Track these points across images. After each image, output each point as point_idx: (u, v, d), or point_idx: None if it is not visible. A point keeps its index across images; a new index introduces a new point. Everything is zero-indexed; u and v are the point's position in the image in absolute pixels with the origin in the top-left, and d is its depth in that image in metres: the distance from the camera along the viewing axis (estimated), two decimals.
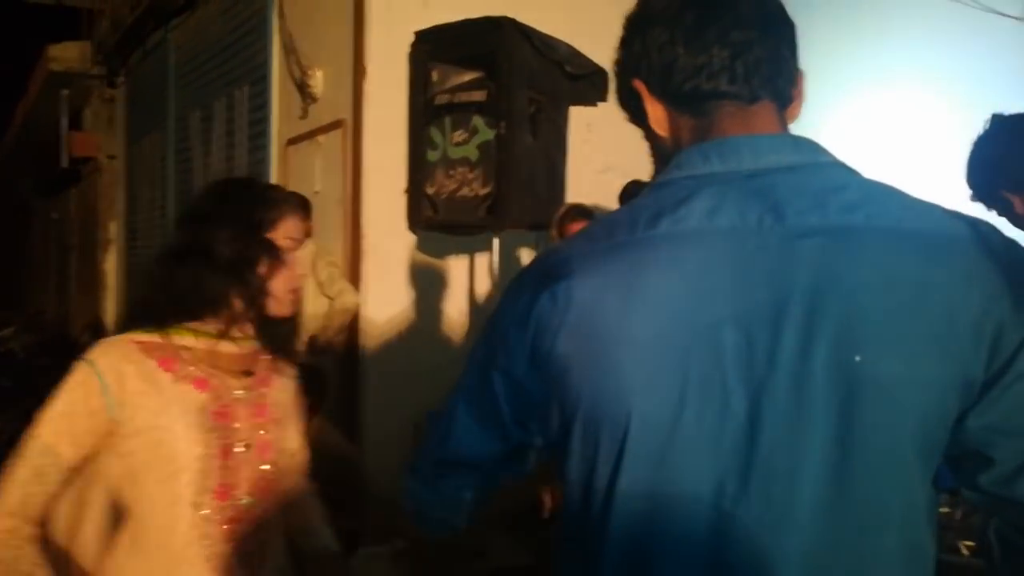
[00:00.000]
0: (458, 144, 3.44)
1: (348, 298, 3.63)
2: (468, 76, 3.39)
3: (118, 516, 1.25)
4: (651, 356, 0.75)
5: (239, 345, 1.35)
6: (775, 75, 0.82)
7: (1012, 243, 0.78)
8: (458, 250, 3.96)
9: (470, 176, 3.41)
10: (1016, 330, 0.72)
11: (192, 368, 1.29)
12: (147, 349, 1.26)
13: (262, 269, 1.31)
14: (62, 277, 11.88)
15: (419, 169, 3.59)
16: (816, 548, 0.71)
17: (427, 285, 3.87)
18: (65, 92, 9.17)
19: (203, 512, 1.26)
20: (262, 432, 1.35)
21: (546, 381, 0.81)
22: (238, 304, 1.31)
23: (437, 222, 3.59)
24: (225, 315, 1.31)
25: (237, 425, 1.31)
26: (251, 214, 1.33)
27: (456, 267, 4.04)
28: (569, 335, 0.78)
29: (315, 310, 3.70)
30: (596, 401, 0.77)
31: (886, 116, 4.45)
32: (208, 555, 1.25)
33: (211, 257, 1.29)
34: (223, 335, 1.32)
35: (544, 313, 0.79)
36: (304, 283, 3.70)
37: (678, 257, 0.76)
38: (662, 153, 0.87)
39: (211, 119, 5.54)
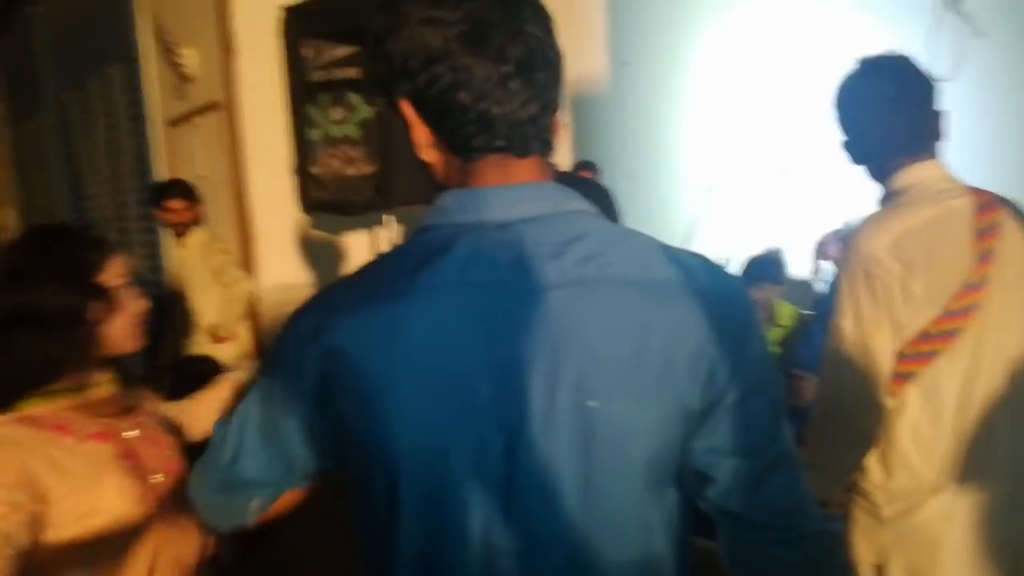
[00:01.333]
0: (338, 122, 3.36)
1: (242, 286, 3.56)
2: (342, 52, 3.30)
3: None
4: (414, 407, 0.79)
5: (99, 388, 1.32)
6: (547, 129, 0.84)
7: (726, 286, 0.84)
8: (351, 228, 3.90)
9: (354, 155, 3.35)
10: (725, 365, 0.80)
11: (84, 426, 1.26)
12: (37, 423, 1.22)
13: (96, 316, 1.28)
14: None
15: (302, 149, 3.49)
16: (570, 572, 0.79)
17: (322, 267, 3.81)
18: None
19: (142, 556, 1.27)
20: (168, 459, 1.37)
21: (327, 423, 0.85)
22: (77, 360, 1.28)
23: (327, 203, 3.52)
24: (74, 372, 1.27)
25: (147, 461, 1.32)
26: (73, 262, 1.28)
27: (350, 245, 3.98)
28: (339, 385, 0.81)
29: (211, 299, 3.64)
30: (368, 449, 0.81)
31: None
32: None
33: (37, 320, 1.23)
34: (84, 387, 1.29)
35: (314, 364, 0.82)
36: (199, 272, 3.59)
37: (435, 311, 0.79)
38: (428, 172, 0.87)
39: (88, 99, 5.26)
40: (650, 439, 0.79)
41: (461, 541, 0.79)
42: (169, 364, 3.71)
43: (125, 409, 1.37)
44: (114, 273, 1.32)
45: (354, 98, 3.25)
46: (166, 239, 3.96)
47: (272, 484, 0.95)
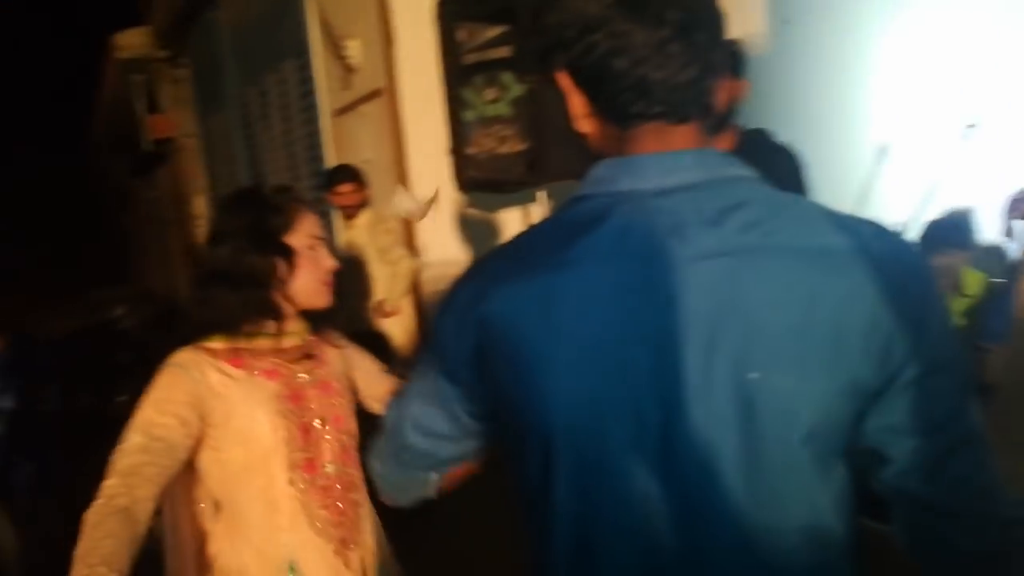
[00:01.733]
0: (491, 102, 3.43)
1: (407, 263, 3.74)
2: (494, 32, 3.36)
3: (219, 507, 1.41)
4: (569, 378, 0.79)
5: (291, 337, 1.45)
6: (706, 93, 0.81)
7: (902, 254, 0.78)
8: (505, 205, 3.98)
9: (506, 133, 3.41)
10: (903, 340, 0.75)
11: (260, 362, 1.41)
12: (215, 353, 1.39)
13: (283, 274, 1.40)
14: (163, 253, 12.61)
15: (457, 131, 3.60)
16: (732, 544, 0.77)
17: (479, 243, 3.93)
18: (137, 77, 9.56)
19: (297, 486, 1.40)
20: (333, 406, 1.48)
21: (485, 390, 0.87)
22: (267, 312, 1.41)
23: (481, 181, 3.62)
24: (262, 322, 1.42)
25: (310, 405, 1.44)
26: (262, 225, 1.40)
27: (505, 222, 4.07)
28: (495, 354, 0.83)
29: (378, 276, 3.85)
30: (523, 417, 0.83)
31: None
32: (309, 523, 1.40)
33: (230, 279, 1.39)
34: (272, 333, 1.43)
35: (472, 332, 0.84)
36: (367, 251, 3.79)
37: (590, 282, 0.78)
38: (584, 143, 0.87)
39: (266, 94, 5.69)
40: (815, 413, 0.75)
41: (619, 509, 0.79)
42: (348, 335, 3.98)
43: (306, 356, 1.48)
44: (304, 232, 1.43)
45: (506, 77, 3.30)
46: (337, 221, 4.24)
47: (447, 454, 0.98)
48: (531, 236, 0.88)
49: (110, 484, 1.25)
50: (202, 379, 1.35)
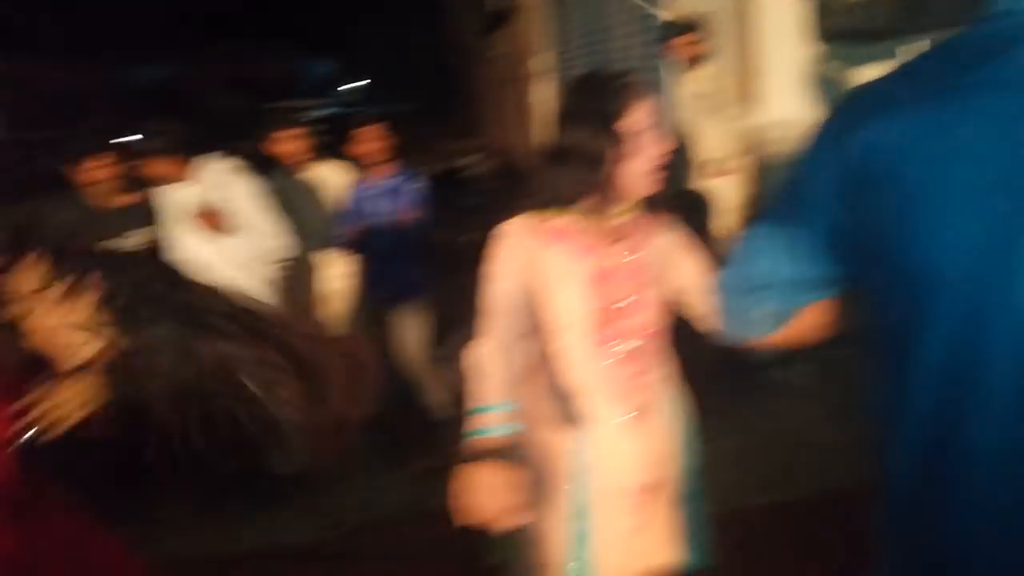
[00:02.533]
0: None
1: (745, 121, 3.61)
2: None
3: (536, 365, 1.58)
4: (953, 222, 0.72)
5: (614, 218, 1.55)
6: None
7: None
8: (871, 58, 3.56)
9: None
10: None
11: (576, 239, 1.52)
12: (537, 226, 1.53)
13: (611, 161, 1.46)
14: (501, 110, 13.47)
15: None
16: None
17: (833, 101, 3.61)
18: None
19: (598, 357, 1.53)
20: (644, 289, 1.55)
21: (852, 224, 0.82)
22: (596, 194, 1.50)
23: (846, 30, 3.29)
24: (589, 202, 1.52)
25: (620, 286, 1.53)
26: (600, 110, 1.47)
27: (868, 78, 3.66)
28: (870, 187, 0.78)
29: (712, 134, 3.77)
30: (893, 257, 0.77)
31: None
32: (608, 390, 1.53)
33: (566, 157, 1.49)
34: (596, 212, 1.53)
35: (847, 162, 0.79)
36: (702, 106, 3.72)
37: (992, 115, 0.70)
38: None
39: None
40: None
41: (990, 367, 0.72)
42: (670, 195, 4.01)
43: (624, 238, 1.55)
44: (637, 119, 1.48)
45: None
46: (673, 76, 4.17)
47: (791, 289, 0.93)
48: (920, 61, 0.80)
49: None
50: (521, 251, 1.50)
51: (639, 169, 1.48)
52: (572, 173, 1.48)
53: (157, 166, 2.88)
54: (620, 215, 1.55)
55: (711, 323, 1.68)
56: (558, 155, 1.50)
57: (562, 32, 8.34)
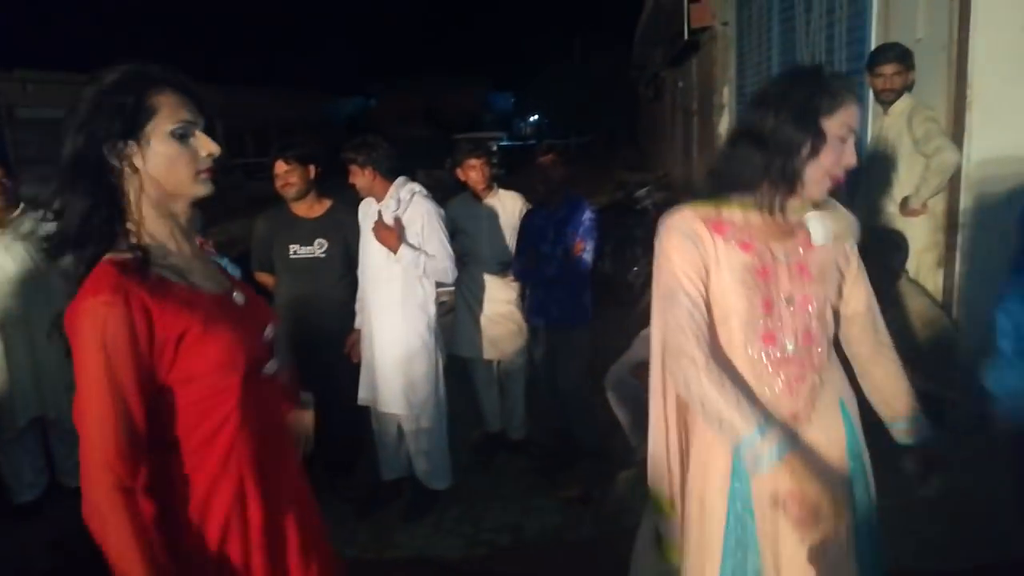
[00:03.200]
0: None
1: (946, 156, 3.29)
2: None
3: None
4: None
5: (782, 215, 1.48)
6: None
7: None
8: None
9: None
10: None
11: (739, 233, 1.48)
12: (703, 218, 1.49)
13: (804, 153, 1.41)
14: (685, 140, 13.31)
15: None
16: None
17: None
18: None
19: (752, 354, 1.48)
20: (804, 290, 1.49)
21: None
22: (779, 185, 1.45)
23: None
24: (764, 192, 1.47)
25: (780, 283, 1.48)
26: (808, 101, 1.42)
27: None
28: None
29: (910, 170, 3.49)
30: None
31: None
32: (760, 390, 1.47)
33: (759, 140, 1.44)
34: (766, 207, 1.47)
35: None
36: (902, 140, 3.48)
37: None
38: None
39: None
40: None
41: None
42: (867, 230, 3.75)
43: (789, 235, 1.49)
44: (840, 122, 1.43)
45: None
46: (873, 107, 3.91)
47: None
48: None
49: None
50: (699, 240, 1.46)
51: (825, 172, 1.44)
52: (762, 158, 1.44)
53: (357, 177, 3.09)
54: (791, 212, 1.49)
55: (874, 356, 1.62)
56: (751, 138, 1.46)
57: (751, 64, 8.13)
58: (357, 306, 3.24)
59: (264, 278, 3.49)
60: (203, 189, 1.25)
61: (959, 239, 3.46)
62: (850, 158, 1.44)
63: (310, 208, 3.35)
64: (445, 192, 3.81)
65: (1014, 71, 3.19)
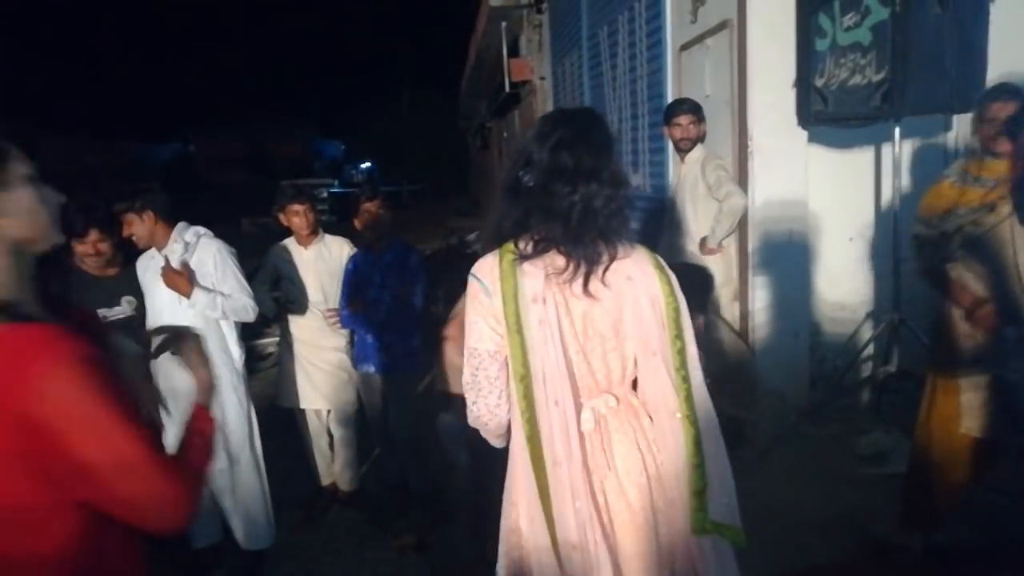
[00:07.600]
0: (849, 29, 3.17)
1: (735, 200, 3.66)
2: None
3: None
4: None
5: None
6: None
7: None
8: (852, 142, 3.67)
9: (862, 62, 3.14)
10: None
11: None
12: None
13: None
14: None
15: (807, 60, 3.40)
16: None
17: (817, 183, 3.70)
18: (503, 24, 10.43)
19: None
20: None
21: None
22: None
23: (827, 115, 3.39)
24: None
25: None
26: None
27: (850, 162, 3.75)
28: None
29: (705, 212, 3.84)
30: None
31: None
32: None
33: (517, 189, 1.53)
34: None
35: None
36: (697, 186, 3.80)
37: None
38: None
39: (616, 32, 5.87)
40: None
41: None
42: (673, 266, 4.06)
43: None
44: None
45: (870, 0, 3.03)
46: (672, 155, 4.28)
47: None
48: None
49: None
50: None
51: None
52: (514, 206, 1.57)
53: (135, 226, 2.91)
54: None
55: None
56: (509, 188, 1.58)
57: None
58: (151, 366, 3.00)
59: None
60: None
61: (749, 275, 3.84)
62: None
63: (106, 268, 3.12)
64: (272, 239, 3.70)
65: (784, 124, 3.62)
